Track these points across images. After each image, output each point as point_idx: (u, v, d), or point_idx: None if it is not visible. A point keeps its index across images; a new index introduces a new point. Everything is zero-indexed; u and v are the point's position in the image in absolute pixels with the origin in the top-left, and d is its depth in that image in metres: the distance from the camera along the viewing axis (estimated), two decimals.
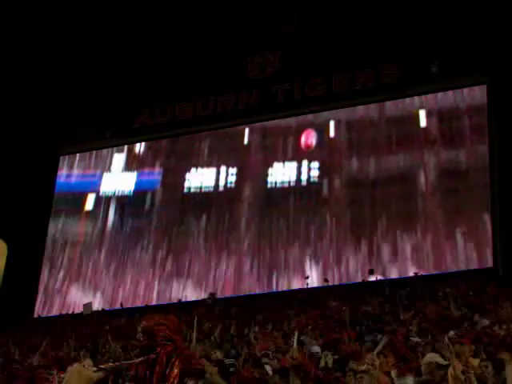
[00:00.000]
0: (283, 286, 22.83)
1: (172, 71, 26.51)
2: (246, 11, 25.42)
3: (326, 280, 21.42)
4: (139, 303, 24.11)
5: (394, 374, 10.10)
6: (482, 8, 22.20)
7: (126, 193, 26.85)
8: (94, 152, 27.97)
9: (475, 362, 9.92)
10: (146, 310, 21.55)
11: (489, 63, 22.51)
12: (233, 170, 25.36)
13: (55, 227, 27.28)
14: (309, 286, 21.53)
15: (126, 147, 27.56)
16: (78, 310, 23.55)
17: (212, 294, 21.53)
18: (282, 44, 25.97)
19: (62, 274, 26.41)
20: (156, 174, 26.69)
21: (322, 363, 12.17)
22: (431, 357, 10.26)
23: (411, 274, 20.85)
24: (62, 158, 28.57)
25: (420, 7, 23.26)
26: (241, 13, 25.43)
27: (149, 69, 26.75)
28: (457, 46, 22.68)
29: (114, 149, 27.66)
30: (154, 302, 23.99)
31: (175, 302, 22.89)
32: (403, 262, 21.79)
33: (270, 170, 24.69)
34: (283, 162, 24.65)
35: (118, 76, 26.44)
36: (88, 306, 22.48)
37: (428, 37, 23.05)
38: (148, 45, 26.36)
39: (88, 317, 21.82)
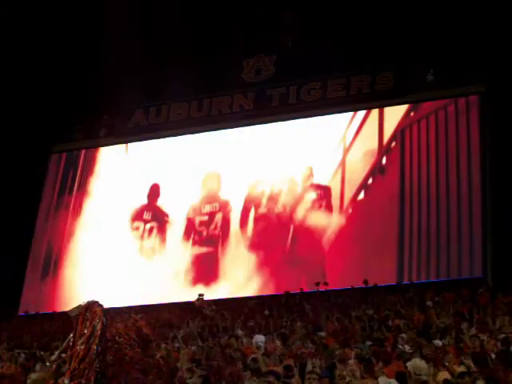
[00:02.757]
0: None
1: (167, 72, 26.52)
2: (242, 14, 25.45)
3: (317, 284, 21.33)
4: None
5: (381, 380, 10.16)
6: (478, 16, 22.29)
7: None
8: None
9: (459, 370, 9.96)
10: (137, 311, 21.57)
11: (484, 73, 22.61)
12: None
13: None
14: (300, 291, 21.48)
15: None
16: None
17: (200, 296, 21.47)
18: (278, 48, 26.03)
19: None
20: None
21: (309, 368, 12.18)
22: (415, 363, 10.34)
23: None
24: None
25: (417, 15, 23.31)
26: (237, 16, 25.46)
27: (144, 68, 26.77)
28: (453, 55, 22.80)
29: None
30: None
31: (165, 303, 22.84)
32: (392, 269, 21.86)
33: None
34: None
35: (113, 75, 26.39)
36: (75, 309, 22.35)
37: (424, 45, 23.13)
38: (144, 44, 26.37)
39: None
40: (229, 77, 26.17)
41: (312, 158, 24.18)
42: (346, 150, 23.82)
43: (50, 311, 24.65)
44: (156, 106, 27.45)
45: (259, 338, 14.24)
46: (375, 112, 24.05)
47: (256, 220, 24.36)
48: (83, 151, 28.30)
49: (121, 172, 27.14)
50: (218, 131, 26.25)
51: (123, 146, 27.70)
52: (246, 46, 26.01)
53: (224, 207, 25.03)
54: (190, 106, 26.96)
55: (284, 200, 24.20)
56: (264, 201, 24.43)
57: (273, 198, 24.34)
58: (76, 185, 27.70)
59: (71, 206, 27.36)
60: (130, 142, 27.57)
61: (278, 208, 24.16)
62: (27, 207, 27.04)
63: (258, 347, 14.12)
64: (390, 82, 24.05)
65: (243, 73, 26.45)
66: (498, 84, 22.21)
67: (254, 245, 23.98)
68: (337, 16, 24.29)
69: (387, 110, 23.89)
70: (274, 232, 23.91)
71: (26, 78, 26.95)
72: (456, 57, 22.84)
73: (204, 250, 24.66)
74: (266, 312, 19.36)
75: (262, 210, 24.36)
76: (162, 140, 27.06)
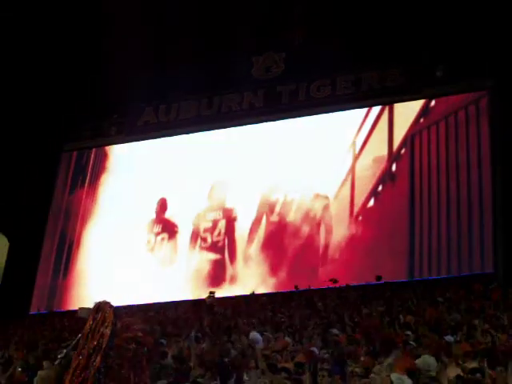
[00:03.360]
0: None
1: (177, 69, 26.54)
2: (251, 11, 25.42)
3: (333, 281, 21.26)
4: None
5: (393, 376, 10.14)
6: (487, 13, 22.22)
7: None
8: None
9: (471, 366, 9.94)
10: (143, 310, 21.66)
11: (493, 67, 22.54)
12: None
13: None
14: (310, 288, 21.46)
15: None
16: None
17: (211, 294, 21.47)
18: (287, 45, 26.01)
19: None
20: None
21: (321, 364, 12.17)
22: (424, 359, 10.33)
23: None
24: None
25: (427, 10, 23.27)
26: (246, 13, 25.42)
27: (154, 66, 26.79)
28: (462, 50, 22.73)
29: None
30: None
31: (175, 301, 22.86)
32: (403, 268, 21.83)
33: None
34: None
35: (122, 73, 26.44)
36: (85, 310, 22.37)
37: (433, 40, 23.06)
38: (153, 43, 26.36)
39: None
40: (238, 74, 26.14)
41: (321, 165, 24.08)
42: (356, 157, 23.75)
43: (62, 310, 24.77)
44: (166, 104, 27.47)
45: (255, 336, 14.18)
46: (385, 118, 23.94)
47: (268, 226, 24.35)
48: (94, 150, 28.37)
49: (132, 170, 27.17)
50: (228, 129, 26.25)
51: (133, 144, 27.73)
52: (256, 44, 25.98)
53: (227, 214, 25.04)
54: (200, 104, 26.97)
55: (295, 207, 24.18)
56: (277, 208, 24.42)
57: (285, 205, 24.32)
58: (87, 183, 27.76)
59: (82, 204, 27.43)
60: (140, 140, 27.60)
61: (290, 215, 24.14)
62: (38, 206, 27.11)
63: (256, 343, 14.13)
64: (399, 78, 23.98)
65: (253, 70, 26.43)
66: (508, 78, 22.15)
67: (265, 249, 23.99)
68: (346, 12, 24.23)
69: (397, 116, 23.77)
70: (285, 237, 23.89)
71: (36, 78, 27.00)
72: (465, 52, 22.75)
73: (211, 255, 24.69)
74: (279, 309, 19.37)
75: (274, 217, 24.36)
76: (171, 138, 27.08)
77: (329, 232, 23.32)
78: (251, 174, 24.94)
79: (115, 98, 26.89)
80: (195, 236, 25.21)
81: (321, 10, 24.99)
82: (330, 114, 24.88)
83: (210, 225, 25.13)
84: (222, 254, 24.58)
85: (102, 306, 6.22)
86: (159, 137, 27.28)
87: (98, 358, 5.82)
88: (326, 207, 23.69)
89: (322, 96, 25.07)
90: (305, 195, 24.08)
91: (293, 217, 24.04)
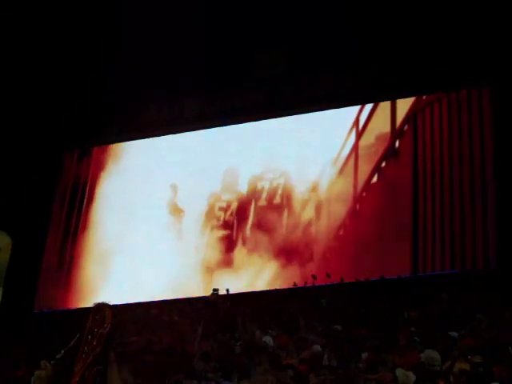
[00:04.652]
0: None
1: (180, 67, 26.57)
2: (254, 9, 25.42)
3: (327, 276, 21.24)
4: None
5: (398, 372, 10.18)
6: (491, 12, 22.26)
7: None
8: None
9: (475, 360, 9.98)
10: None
11: (495, 63, 22.54)
12: None
13: None
14: (313, 284, 21.45)
15: None
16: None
17: (215, 291, 21.55)
18: (290, 42, 26.01)
19: None
20: None
21: (326, 361, 12.21)
22: (428, 354, 10.39)
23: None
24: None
25: (426, 4, 23.31)
26: (249, 10, 25.43)
27: (156, 65, 26.80)
28: (463, 44, 22.71)
29: None
30: None
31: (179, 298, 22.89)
32: (406, 259, 21.81)
33: None
34: None
35: (126, 71, 26.48)
36: None
37: (433, 38, 23.08)
38: (155, 40, 26.39)
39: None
40: (241, 71, 26.18)
41: (325, 146, 24.10)
42: (359, 135, 23.76)
43: (66, 308, 24.82)
44: (168, 102, 27.47)
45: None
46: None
47: (260, 211, 24.45)
48: (96, 148, 28.37)
49: (135, 168, 27.18)
50: (232, 126, 26.29)
51: (136, 142, 27.75)
52: (258, 41, 25.96)
53: (239, 199, 25.10)
54: (204, 101, 26.98)
55: (294, 193, 24.25)
56: (263, 195, 24.52)
57: (284, 191, 24.38)
58: (89, 182, 27.76)
59: (85, 202, 27.46)
60: (143, 138, 27.61)
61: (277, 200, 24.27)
62: (40, 205, 27.13)
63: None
64: (399, 73, 23.95)
65: (256, 67, 26.45)
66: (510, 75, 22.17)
67: (259, 235, 24.04)
68: (347, 10, 24.22)
69: None
70: (283, 221, 23.96)
71: (37, 74, 27.02)
72: (466, 47, 22.71)
73: (221, 234, 24.74)
74: (282, 305, 19.41)
75: (262, 202, 24.48)
76: (174, 135, 27.11)
77: (327, 215, 23.36)
78: (255, 166, 25.06)
79: (117, 96, 26.89)
80: (208, 216, 25.26)
81: (324, 8, 24.97)
82: (333, 110, 24.90)
83: (224, 205, 25.21)
84: (231, 234, 24.64)
85: (101, 307, 6.27)
86: (162, 134, 27.30)
87: (98, 359, 5.86)
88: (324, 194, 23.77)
89: (324, 93, 25.07)
90: (304, 181, 24.14)
91: (293, 202, 24.11)
